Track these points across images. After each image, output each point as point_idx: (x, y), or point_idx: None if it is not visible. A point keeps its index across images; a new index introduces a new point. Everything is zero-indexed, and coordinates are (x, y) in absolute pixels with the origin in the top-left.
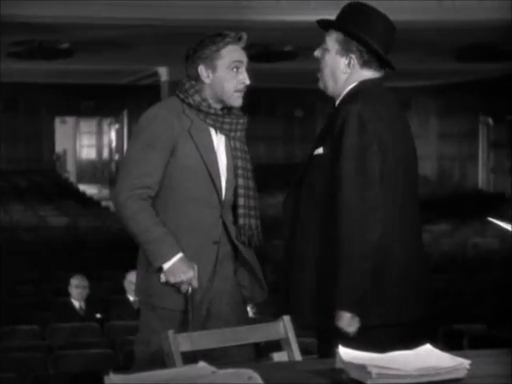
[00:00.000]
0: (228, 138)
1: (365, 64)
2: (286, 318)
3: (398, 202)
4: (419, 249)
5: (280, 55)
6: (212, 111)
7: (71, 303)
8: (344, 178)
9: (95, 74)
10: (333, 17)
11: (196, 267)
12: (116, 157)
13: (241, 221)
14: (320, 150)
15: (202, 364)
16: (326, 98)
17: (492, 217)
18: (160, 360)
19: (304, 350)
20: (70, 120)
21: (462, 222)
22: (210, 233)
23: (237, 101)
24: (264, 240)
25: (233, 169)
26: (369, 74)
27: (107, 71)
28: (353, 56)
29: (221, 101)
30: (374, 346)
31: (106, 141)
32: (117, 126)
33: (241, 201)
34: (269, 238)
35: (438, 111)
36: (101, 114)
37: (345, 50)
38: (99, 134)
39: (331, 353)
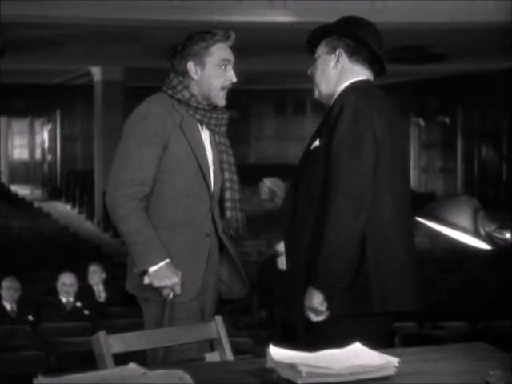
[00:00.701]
0: (212, 133)
1: (353, 56)
2: (218, 319)
3: (396, 193)
4: (413, 243)
5: None
6: (201, 106)
7: (3, 305)
8: (336, 164)
9: (27, 73)
10: (266, 17)
11: (180, 274)
12: (49, 157)
13: (228, 214)
14: (317, 142)
15: (132, 365)
16: (261, 99)
17: (419, 216)
18: (174, 352)
19: (238, 350)
20: (2, 120)
21: None
22: (202, 225)
23: (222, 100)
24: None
25: (218, 163)
26: (358, 69)
27: (39, 71)
28: (341, 50)
29: (207, 98)
30: (369, 334)
31: (38, 141)
32: (49, 126)
33: (227, 194)
34: None
35: None
36: (33, 114)
37: (333, 48)
38: (31, 134)
39: (319, 346)
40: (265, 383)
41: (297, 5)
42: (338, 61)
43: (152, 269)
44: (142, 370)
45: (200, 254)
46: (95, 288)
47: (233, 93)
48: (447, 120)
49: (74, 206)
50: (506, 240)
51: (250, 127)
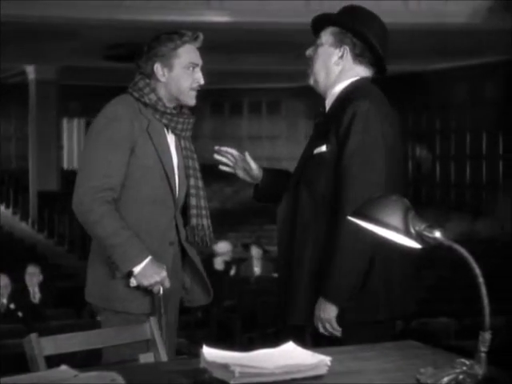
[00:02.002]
0: (178, 138)
1: (357, 58)
2: (153, 320)
3: None
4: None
5: None
6: (168, 111)
7: None
8: (348, 176)
9: None
10: (203, 17)
11: (165, 267)
12: None
13: (193, 221)
14: (323, 148)
15: (63, 367)
16: (197, 99)
17: (351, 215)
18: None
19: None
20: None
21: None
22: (166, 234)
23: (192, 100)
24: None
25: (184, 168)
26: (360, 70)
27: None
28: (346, 47)
29: (176, 99)
30: (373, 341)
31: None
32: None
33: (193, 201)
34: None
35: (306, 113)
36: None
37: (339, 42)
38: None
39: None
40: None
41: (233, 5)
42: (341, 57)
43: (137, 268)
44: (73, 372)
45: (164, 263)
46: (30, 289)
47: None
48: None
49: (8, 206)
50: (435, 239)
51: None
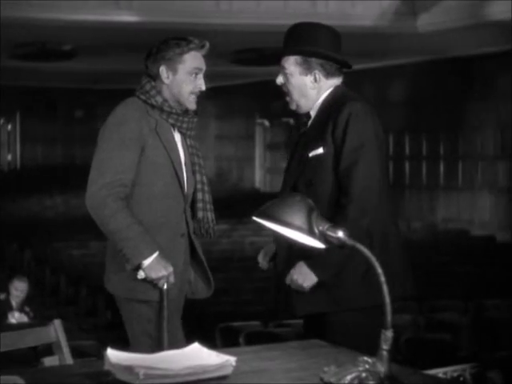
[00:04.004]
0: (184, 137)
1: (329, 74)
2: (57, 322)
3: (388, 194)
4: (402, 238)
5: (58, 54)
6: (174, 111)
7: None
8: (352, 171)
9: None
10: (112, 17)
11: (170, 264)
12: None
13: (200, 214)
14: (320, 150)
15: None
16: (106, 99)
17: (255, 216)
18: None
19: (83, 353)
20: None
21: (240, 221)
22: (177, 226)
23: (192, 104)
24: (43, 243)
25: (190, 165)
26: (333, 81)
27: None
28: (316, 71)
29: (178, 102)
30: (374, 324)
31: None
32: None
33: (199, 195)
34: (48, 240)
35: (216, 113)
36: None
37: (307, 69)
38: None
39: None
40: None
41: (142, 5)
42: (315, 81)
43: (146, 262)
44: None
45: (178, 255)
46: None
47: (78, 92)
48: (292, 121)
49: None
50: (338, 238)
51: (95, 127)
